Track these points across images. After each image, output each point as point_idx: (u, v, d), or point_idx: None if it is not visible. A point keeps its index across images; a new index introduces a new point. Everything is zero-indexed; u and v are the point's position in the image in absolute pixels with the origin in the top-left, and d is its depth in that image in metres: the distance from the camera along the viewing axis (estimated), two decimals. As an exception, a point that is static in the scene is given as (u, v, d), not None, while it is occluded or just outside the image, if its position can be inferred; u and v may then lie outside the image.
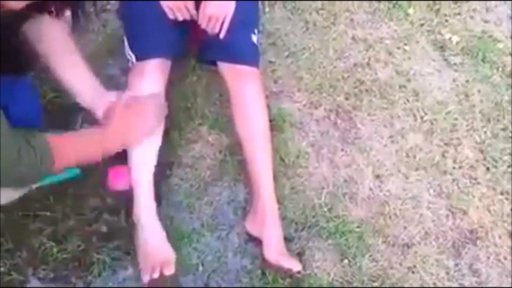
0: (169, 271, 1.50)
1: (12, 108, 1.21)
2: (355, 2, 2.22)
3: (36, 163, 1.23)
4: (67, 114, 1.82)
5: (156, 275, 1.47)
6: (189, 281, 1.57)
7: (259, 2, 1.88)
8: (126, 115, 1.50)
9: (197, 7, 1.67)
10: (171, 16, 1.66)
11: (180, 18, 1.67)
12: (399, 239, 1.69)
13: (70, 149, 1.36)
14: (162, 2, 1.64)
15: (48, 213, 1.61)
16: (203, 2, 1.65)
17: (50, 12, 1.25)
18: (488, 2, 2.30)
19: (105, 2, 2.13)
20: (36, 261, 1.55)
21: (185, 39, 1.75)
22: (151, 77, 1.63)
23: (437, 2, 2.26)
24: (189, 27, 1.71)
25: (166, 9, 1.65)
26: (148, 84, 1.62)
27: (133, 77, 1.64)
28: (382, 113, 1.95)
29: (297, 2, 2.19)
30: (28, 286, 1.52)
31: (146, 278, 1.49)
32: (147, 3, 1.67)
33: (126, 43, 1.70)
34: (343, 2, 2.21)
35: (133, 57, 1.67)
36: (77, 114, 1.82)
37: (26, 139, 1.22)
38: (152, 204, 1.59)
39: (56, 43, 1.51)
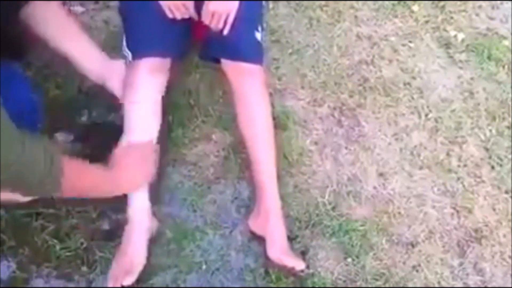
0: (128, 281, 1.46)
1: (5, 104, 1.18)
2: (360, -1, 2.22)
3: (44, 167, 1.18)
4: (71, 111, 1.82)
5: (118, 285, 1.46)
6: (192, 279, 1.56)
7: (263, -1, 1.87)
8: (126, 162, 1.52)
9: (196, 6, 1.66)
10: (169, 15, 1.65)
11: (179, 17, 1.66)
12: (403, 238, 1.68)
13: (82, 175, 1.34)
14: (161, 1, 1.63)
15: (51, 211, 1.60)
16: (206, -1, 1.64)
17: None
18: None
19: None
20: (39, 259, 1.55)
21: (185, 38, 1.74)
22: (146, 75, 1.62)
23: (442, -1, 2.25)
24: (189, 26, 1.70)
25: (165, 8, 1.64)
26: (142, 82, 1.61)
27: (129, 75, 1.64)
28: (386, 111, 1.94)
29: (301, -1, 2.19)
30: (31, 283, 1.52)
31: (110, 284, 1.48)
32: (145, 1, 1.66)
33: (123, 40, 1.69)
34: (348, -1, 2.21)
35: (129, 55, 1.67)
36: (80, 111, 1.83)
37: (33, 139, 1.19)
38: (146, 205, 1.59)
39: (56, 22, 1.51)
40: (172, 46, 1.69)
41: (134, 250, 1.53)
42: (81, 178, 1.33)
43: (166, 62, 1.67)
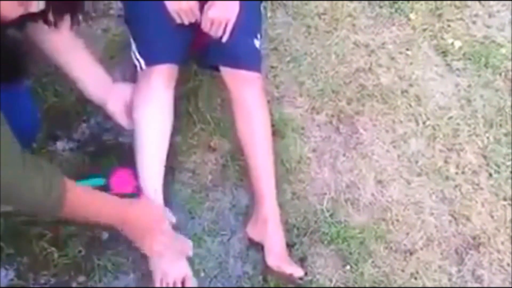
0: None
1: (9, 116, 1.18)
2: (357, 7, 2.22)
3: (42, 188, 1.16)
4: (69, 119, 1.82)
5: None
6: (190, 287, 1.57)
7: (262, 7, 1.87)
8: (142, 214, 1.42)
9: (201, 10, 1.67)
10: (178, 21, 1.66)
11: (187, 22, 1.66)
12: (401, 245, 1.68)
13: (86, 199, 1.29)
14: (168, 6, 1.64)
15: (49, 218, 1.60)
16: (206, 5, 1.65)
17: (47, 22, 1.23)
18: (490, 7, 2.29)
19: (106, 8, 2.13)
20: (37, 267, 1.55)
21: (189, 43, 1.75)
22: (160, 82, 1.63)
23: (440, 7, 2.26)
24: (193, 31, 1.71)
25: (173, 14, 1.65)
26: (157, 89, 1.62)
27: (142, 82, 1.64)
28: (384, 118, 1.94)
29: (299, 7, 2.19)
30: (29, 291, 1.52)
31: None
32: (152, 7, 1.67)
33: (134, 47, 1.70)
34: (345, 7, 2.21)
35: (142, 62, 1.67)
36: (78, 119, 1.83)
37: (36, 160, 1.18)
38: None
39: (61, 40, 1.51)
40: (181, 51, 1.70)
41: None
42: (86, 203, 1.29)
43: (176, 68, 1.68)
